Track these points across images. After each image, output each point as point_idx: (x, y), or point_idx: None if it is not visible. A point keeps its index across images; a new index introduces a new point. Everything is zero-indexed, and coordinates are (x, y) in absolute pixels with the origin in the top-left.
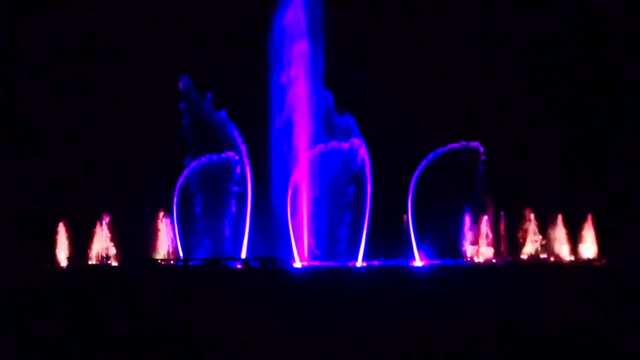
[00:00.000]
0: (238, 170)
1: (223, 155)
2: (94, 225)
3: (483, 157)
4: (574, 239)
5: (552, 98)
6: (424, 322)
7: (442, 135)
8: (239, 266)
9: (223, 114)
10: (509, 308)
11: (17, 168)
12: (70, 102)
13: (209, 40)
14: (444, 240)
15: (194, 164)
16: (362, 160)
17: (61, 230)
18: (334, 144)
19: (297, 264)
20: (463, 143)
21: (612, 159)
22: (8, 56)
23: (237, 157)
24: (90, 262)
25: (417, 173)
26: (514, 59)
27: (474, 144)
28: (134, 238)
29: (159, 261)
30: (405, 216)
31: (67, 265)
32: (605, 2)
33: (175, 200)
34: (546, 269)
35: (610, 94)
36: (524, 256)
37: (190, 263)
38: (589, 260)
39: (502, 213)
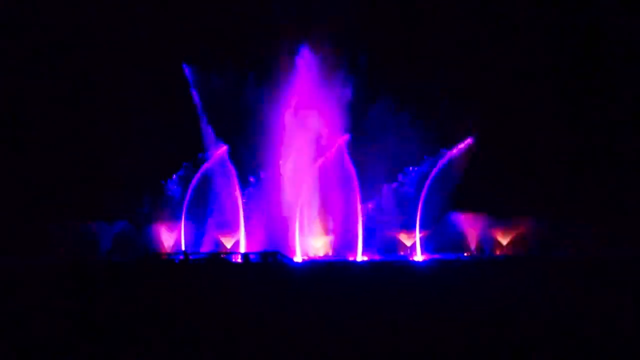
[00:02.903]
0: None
1: (217, 151)
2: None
3: None
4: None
5: (550, 98)
6: (423, 316)
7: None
8: (239, 260)
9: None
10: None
11: (17, 167)
12: (71, 101)
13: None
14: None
15: (207, 164)
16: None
17: (61, 225)
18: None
19: (298, 258)
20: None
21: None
22: (8, 56)
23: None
24: (91, 256)
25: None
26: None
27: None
28: (137, 232)
29: (161, 255)
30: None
31: (67, 259)
32: (606, 2)
33: (188, 196)
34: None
35: (609, 94)
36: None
37: (191, 257)
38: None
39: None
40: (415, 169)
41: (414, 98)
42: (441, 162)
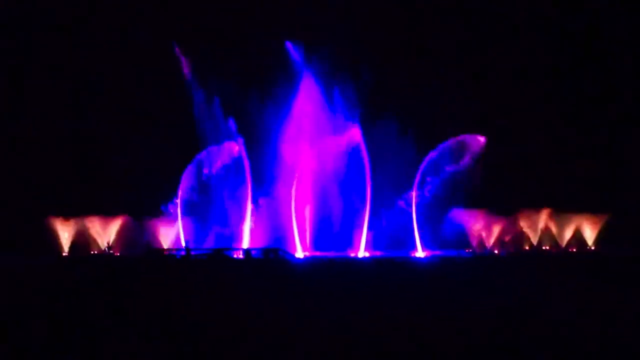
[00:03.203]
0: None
1: (223, 145)
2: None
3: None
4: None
5: (551, 99)
6: (423, 315)
7: (445, 131)
8: (240, 256)
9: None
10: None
11: (19, 165)
12: (71, 101)
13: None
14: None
15: (200, 155)
16: (360, 151)
17: (62, 221)
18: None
19: (299, 254)
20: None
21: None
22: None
23: (236, 147)
24: (92, 252)
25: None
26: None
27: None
28: (137, 229)
29: (163, 251)
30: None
31: (69, 255)
32: (606, 2)
33: (180, 193)
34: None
35: (609, 94)
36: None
37: (193, 253)
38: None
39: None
40: (417, 193)
41: (415, 102)
42: (428, 157)
